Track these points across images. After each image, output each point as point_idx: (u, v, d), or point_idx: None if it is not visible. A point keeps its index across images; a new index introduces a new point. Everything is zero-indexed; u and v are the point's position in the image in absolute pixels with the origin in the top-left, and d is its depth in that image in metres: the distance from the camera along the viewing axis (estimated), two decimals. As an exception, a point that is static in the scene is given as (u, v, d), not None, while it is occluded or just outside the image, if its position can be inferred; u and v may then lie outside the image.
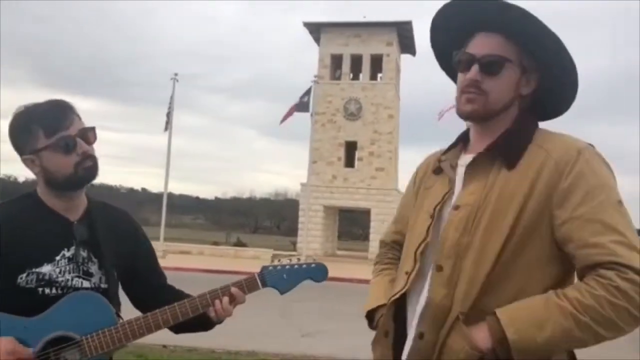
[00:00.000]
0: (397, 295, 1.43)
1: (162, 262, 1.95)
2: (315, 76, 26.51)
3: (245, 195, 75.33)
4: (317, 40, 31.88)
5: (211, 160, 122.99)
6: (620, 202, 1.26)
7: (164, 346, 6.38)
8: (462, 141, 1.51)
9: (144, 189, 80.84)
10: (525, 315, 1.21)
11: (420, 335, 1.34)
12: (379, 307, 1.53)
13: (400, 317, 1.44)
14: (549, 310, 1.19)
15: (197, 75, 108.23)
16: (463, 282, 1.29)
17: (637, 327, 1.21)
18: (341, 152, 30.33)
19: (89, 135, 1.64)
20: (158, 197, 32.52)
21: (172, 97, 24.35)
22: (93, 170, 1.64)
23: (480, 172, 1.37)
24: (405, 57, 34.12)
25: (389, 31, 30.67)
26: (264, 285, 1.68)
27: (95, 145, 1.66)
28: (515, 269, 1.27)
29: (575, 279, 1.31)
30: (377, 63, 30.89)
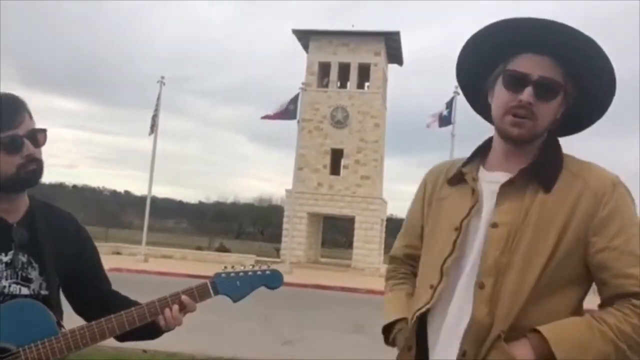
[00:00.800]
0: (424, 309, 1.41)
1: (144, 266, 1.92)
2: (302, 83, 26.54)
3: (229, 200, 74.97)
4: (305, 47, 31.95)
5: (195, 164, 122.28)
6: None
7: (144, 351, 6.32)
8: (481, 154, 1.50)
9: (127, 192, 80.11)
10: (571, 337, 1.25)
11: (463, 354, 1.34)
12: (396, 322, 1.52)
13: (422, 332, 1.43)
14: (594, 335, 1.25)
15: (184, 79, 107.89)
16: (505, 301, 1.30)
17: None
18: (327, 160, 30.35)
19: (38, 137, 1.54)
20: (141, 200, 32.25)
21: (158, 100, 24.21)
22: (36, 175, 1.54)
23: (514, 192, 1.37)
24: (393, 67, 34.39)
25: (377, 41, 30.85)
26: (216, 292, 1.61)
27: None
28: (550, 290, 1.32)
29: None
30: (364, 72, 31.04)
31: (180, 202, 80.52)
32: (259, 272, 1.66)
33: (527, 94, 1.32)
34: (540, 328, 1.26)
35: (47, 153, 1.60)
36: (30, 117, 1.55)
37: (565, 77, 1.36)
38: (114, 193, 79.99)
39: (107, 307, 1.57)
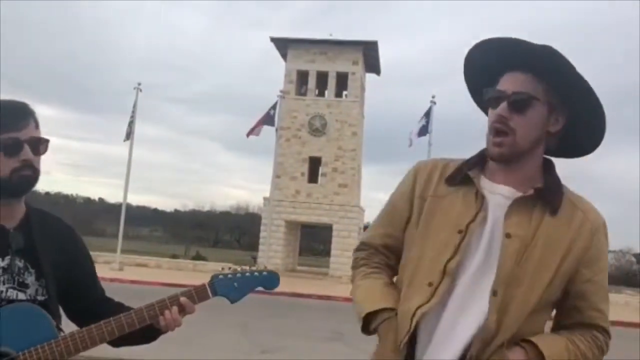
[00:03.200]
0: (426, 308, 1.39)
1: (119, 275, 1.90)
2: (280, 91, 26.54)
3: (206, 208, 74.41)
4: (283, 56, 32.00)
5: (171, 172, 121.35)
6: None
7: (118, 361, 6.19)
8: (482, 161, 1.52)
9: (101, 199, 78.98)
10: (557, 353, 1.39)
11: (470, 358, 1.37)
12: (379, 311, 1.47)
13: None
14: (570, 354, 1.41)
15: (160, 86, 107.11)
16: (513, 311, 1.38)
17: None
18: (305, 168, 30.36)
19: (39, 145, 1.55)
20: (115, 207, 31.83)
21: (134, 107, 23.94)
22: (29, 181, 1.53)
23: (522, 209, 1.43)
24: (370, 76, 34.62)
25: (355, 50, 31.06)
26: (215, 294, 1.63)
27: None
28: (542, 306, 1.43)
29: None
30: (342, 81, 31.19)
31: (156, 210, 79.75)
32: (255, 274, 1.68)
33: (501, 108, 1.42)
34: (535, 340, 1.38)
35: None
36: (37, 126, 1.56)
37: (548, 92, 1.42)
38: (88, 200, 78.85)
39: (100, 313, 1.58)
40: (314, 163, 30.58)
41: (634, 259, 57.82)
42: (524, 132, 1.41)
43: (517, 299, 1.38)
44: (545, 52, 1.39)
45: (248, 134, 24.34)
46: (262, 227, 29.40)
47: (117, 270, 21.31)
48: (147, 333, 1.60)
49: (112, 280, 17.67)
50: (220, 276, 1.65)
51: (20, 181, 1.51)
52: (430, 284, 1.41)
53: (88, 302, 1.69)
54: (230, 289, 1.64)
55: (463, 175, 1.49)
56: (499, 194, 1.46)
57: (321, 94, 31.84)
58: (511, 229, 1.41)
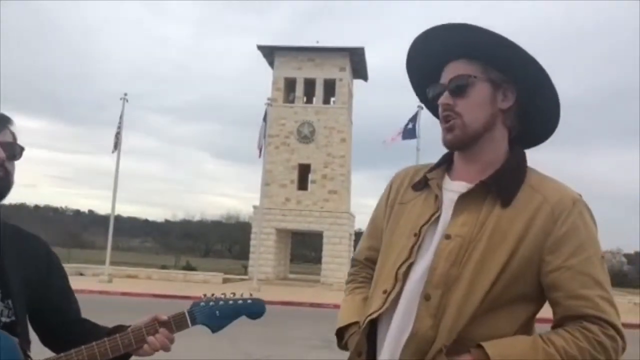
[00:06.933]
0: (375, 315, 1.39)
1: (109, 287, 1.87)
2: (268, 99, 26.51)
3: (196, 218, 74.13)
4: (270, 63, 32.04)
5: (161, 182, 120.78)
6: (603, 258, 1.33)
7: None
8: (446, 162, 1.50)
9: (90, 211, 78.47)
10: (513, 354, 1.24)
11: None
12: (349, 325, 1.49)
13: (372, 337, 1.42)
14: (537, 354, 1.23)
15: (145, 96, 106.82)
16: (450, 315, 1.29)
17: None
18: (294, 175, 30.34)
19: (14, 150, 1.47)
20: (105, 219, 31.57)
21: (121, 118, 23.82)
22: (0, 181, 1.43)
23: (471, 204, 1.36)
24: (358, 82, 34.77)
25: (342, 56, 31.17)
26: (194, 323, 1.55)
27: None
28: (498, 305, 1.30)
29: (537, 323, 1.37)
30: (330, 87, 31.27)
31: (146, 221, 79.28)
32: (239, 301, 1.59)
33: (443, 97, 1.40)
34: (484, 344, 1.25)
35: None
36: (13, 135, 1.49)
37: (486, 69, 1.38)
38: (78, 213, 78.22)
39: (77, 338, 1.50)
40: (303, 170, 30.57)
41: (624, 260, 58.12)
42: (470, 113, 1.38)
43: (454, 302, 1.29)
44: (467, 33, 1.36)
45: (260, 155, 24.15)
46: (252, 236, 29.29)
47: (107, 282, 21.12)
48: None
49: (101, 292, 17.51)
50: (202, 303, 1.56)
51: None
52: (384, 292, 1.40)
53: (61, 325, 1.60)
54: (211, 317, 1.56)
55: (425, 179, 1.48)
56: (452, 191, 1.41)
57: (309, 101, 31.88)
58: (453, 229, 1.35)
